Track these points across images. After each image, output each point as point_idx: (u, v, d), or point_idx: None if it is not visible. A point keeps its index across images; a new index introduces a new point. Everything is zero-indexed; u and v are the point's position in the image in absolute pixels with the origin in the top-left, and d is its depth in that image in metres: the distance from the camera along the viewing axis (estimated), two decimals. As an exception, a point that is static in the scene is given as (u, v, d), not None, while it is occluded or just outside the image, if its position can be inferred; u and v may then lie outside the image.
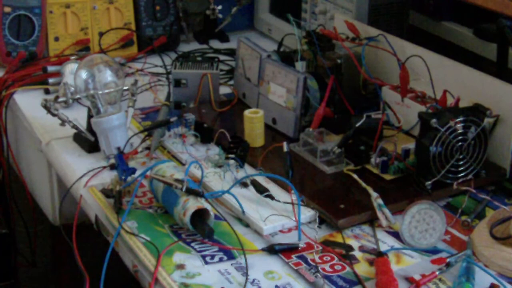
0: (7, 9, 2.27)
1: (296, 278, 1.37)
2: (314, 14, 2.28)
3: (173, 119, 1.80)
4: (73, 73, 1.85)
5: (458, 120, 1.58)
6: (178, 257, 1.43)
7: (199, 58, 2.37)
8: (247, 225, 1.53)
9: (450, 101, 1.73)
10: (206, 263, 1.41)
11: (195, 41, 2.55)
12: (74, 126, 1.82)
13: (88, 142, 1.83)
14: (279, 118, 1.85)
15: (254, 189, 1.60)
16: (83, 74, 1.80)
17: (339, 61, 1.92)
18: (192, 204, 1.47)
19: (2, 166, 2.29)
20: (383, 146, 1.67)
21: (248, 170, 1.68)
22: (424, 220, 1.47)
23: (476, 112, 1.61)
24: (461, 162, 1.61)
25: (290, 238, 1.49)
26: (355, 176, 1.62)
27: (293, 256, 1.43)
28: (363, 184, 1.59)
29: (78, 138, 1.87)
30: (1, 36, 2.27)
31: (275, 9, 2.60)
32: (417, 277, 1.37)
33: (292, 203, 1.53)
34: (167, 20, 2.45)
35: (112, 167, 1.68)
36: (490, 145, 1.64)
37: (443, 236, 1.48)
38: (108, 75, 1.79)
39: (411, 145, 1.65)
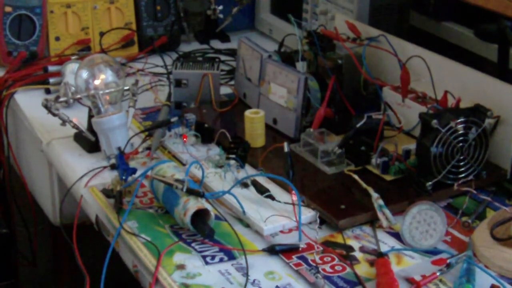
0: (8, 9, 2.27)
1: (297, 279, 1.37)
2: (315, 15, 2.28)
3: (173, 119, 1.80)
4: (74, 73, 1.85)
5: (459, 120, 1.57)
6: (179, 257, 1.43)
7: (199, 58, 2.37)
8: (247, 225, 1.53)
9: (451, 102, 1.73)
10: (207, 263, 1.41)
11: (195, 41, 2.55)
12: (75, 126, 1.82)
13: (88, 142, 1.83)
14: (280, 118, 1.85)
15: (254, 189, 1.60)
16: (84, 74, 1.80)
17: (340, 61, 1.92)
18: (193, 205, 1.47)
19: (3, 166, 2.29)
20: (384, 146, 1.67)
21: (249, 170, 1.68)
22: (425, 221, 1.47)
23: (477, 112, 1.61)
24: (461, 163, 1.60)
25: (291, 239, 1.48)
26: (355, 176, 1.62)
27: (293, 256, 1.43)
28: (364, 185, 1.59)
29: (79, 138, 1.87)
30: (2, 36, 2.27)
31: (276, 9, 2.60)
32: (417, 278, 1.37)
33: (293, 204, 1.52)
34: (168, 20, 2.45)
35: (113, 167, 1.68)
36: (491, 146, 1.64)
37: (443, 237, 1.48)
38: (108, 75, 1.79)
39: (412, 145, 1.65)
